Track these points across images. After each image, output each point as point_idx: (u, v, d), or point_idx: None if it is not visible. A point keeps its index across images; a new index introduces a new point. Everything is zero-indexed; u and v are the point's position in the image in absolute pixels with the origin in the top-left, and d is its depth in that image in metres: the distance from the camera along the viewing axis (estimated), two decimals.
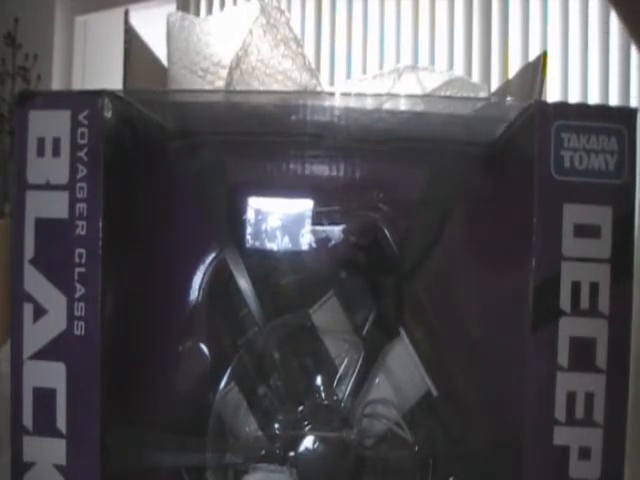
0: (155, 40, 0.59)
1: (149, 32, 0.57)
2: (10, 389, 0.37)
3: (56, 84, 2.70)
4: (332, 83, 1.89)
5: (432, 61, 1.90)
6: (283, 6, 0.55)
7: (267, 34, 0.53)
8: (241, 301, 0.44)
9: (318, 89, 0.56)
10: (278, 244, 0.45)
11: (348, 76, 2.03)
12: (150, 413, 0.42)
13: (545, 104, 0.36)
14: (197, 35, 0.60)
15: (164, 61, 0.61)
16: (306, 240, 0.45)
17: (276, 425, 0.43)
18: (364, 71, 2.01)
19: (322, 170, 0.46)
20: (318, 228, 0.45)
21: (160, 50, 0.60)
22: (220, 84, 0.59)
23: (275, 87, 0.54)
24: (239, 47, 0.53)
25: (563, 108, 0.36)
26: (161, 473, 0.43)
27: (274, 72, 0.53)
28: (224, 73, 0.57)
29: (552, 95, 1.59)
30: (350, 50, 2.07)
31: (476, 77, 1.79)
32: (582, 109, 0.36)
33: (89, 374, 0.36)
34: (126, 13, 0.52)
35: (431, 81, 0.62)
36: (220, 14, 0.66)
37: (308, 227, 0.45)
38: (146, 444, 0.41)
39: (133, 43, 0.52)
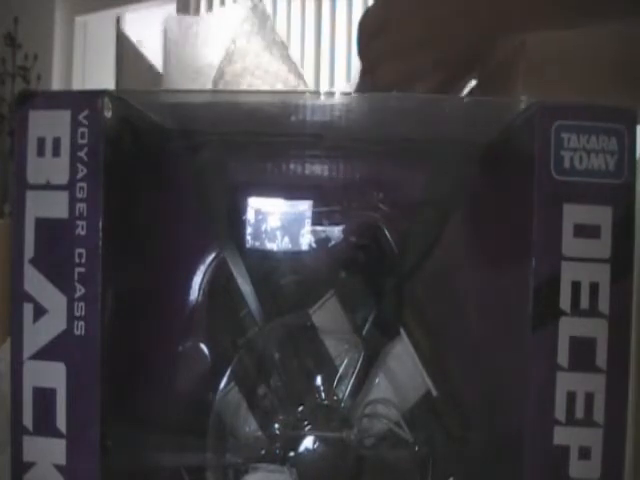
0: (155, 40, 0.59)
1: (149, 32, 0.57)
2: (10, 389, 0.37)
3: (56, 84, 2.71)
4: (332, 83, 1.89)
5: None
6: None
7: (253, 38, 0.53)
8: (241, 301, 0.44)
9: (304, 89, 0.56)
10: (278, 244, 0.45)
11: (348, 76, 2.03)
12: (150, 413, 0.42)
13: (545, 104, 0.36)
14: (193, 36, 0.60)
15: (164, 61, 0.61)
16: (306, 240, 0.45)
17: (276, 425, 0.43)
18: None
19: (322, 170, 0.46)
20: (318, 228, 0.45)
21: (160, 50, 0.60)
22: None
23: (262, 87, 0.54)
24: (225, 52, 0.53)
25: (563, 108, 0.36)
26: (161, 473, 0.43)
27: (262, 74, 0.53)
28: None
29: None
30: (350, 50, 2.06)
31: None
32: (582, 109, 0.36)
33: (89, 374, 0.36)
34: (117, 20, 0.52)
35: None
36: (215, 14, 0.66)
37: (308, 227, 0.45)
38: (146, 444, 0.41)
39: (125, 48, 0.52)
